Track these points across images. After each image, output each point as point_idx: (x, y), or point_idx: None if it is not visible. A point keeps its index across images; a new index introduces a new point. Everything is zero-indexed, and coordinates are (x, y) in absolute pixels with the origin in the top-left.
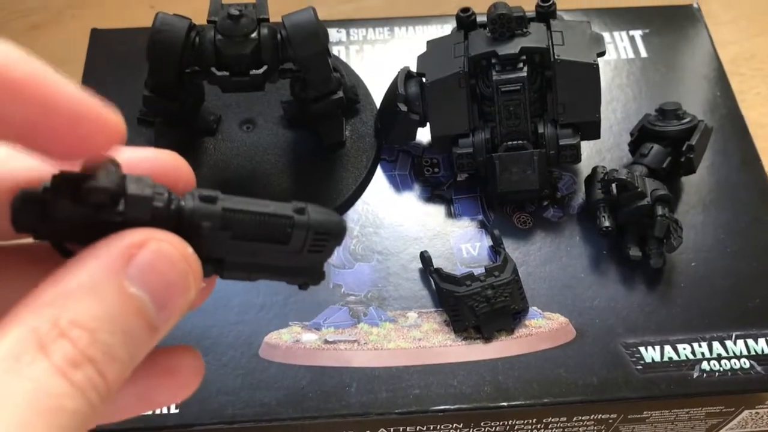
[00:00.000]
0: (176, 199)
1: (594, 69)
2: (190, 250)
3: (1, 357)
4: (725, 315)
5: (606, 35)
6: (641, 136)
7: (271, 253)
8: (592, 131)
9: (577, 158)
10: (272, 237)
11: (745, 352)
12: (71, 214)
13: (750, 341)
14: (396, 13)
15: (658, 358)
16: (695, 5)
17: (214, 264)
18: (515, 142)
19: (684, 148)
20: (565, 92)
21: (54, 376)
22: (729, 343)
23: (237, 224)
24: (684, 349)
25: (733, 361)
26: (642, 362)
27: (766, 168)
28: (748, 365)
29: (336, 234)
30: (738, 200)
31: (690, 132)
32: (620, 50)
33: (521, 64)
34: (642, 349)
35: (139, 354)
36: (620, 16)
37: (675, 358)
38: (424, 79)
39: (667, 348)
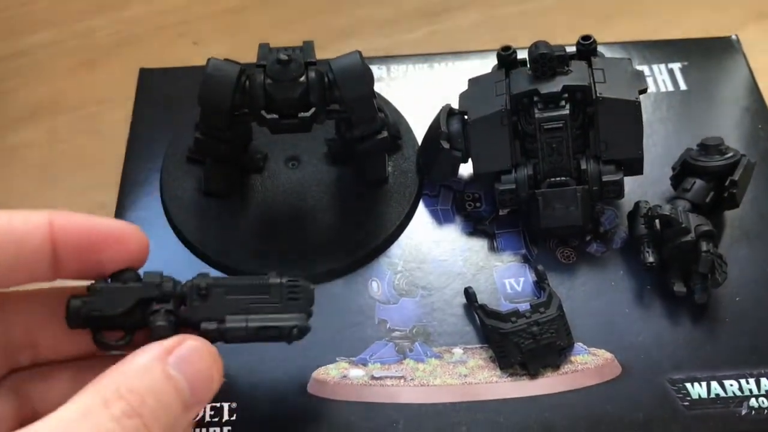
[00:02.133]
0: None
1: (636, 106)
2: (214, 349)
3: (76, 408)
4: None
5: (645, 68)
6: (683, 170)
7: (259, 305)
8: (636, 167)
9: (621, 194)
10: (256, 290)
11: None
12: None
13: None
14: (434, 47)
15: (705, 395)
16: (734, 37)
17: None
18: (558, 179)
19: (727, 184)
20: (607, 129)
21: (111, 422)
22: None
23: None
24: (731, 385)
25: None
26: (689, 398)
27: None
28: None
29: (305, 286)
30: None
31: (733, 167)
32: (659, 83)
33: (563, 102)
34: (688, 385)
35: (174, 425)
36: (659, 48)
37: (722, 394)
38: (466, 117)
39: (714, 384)
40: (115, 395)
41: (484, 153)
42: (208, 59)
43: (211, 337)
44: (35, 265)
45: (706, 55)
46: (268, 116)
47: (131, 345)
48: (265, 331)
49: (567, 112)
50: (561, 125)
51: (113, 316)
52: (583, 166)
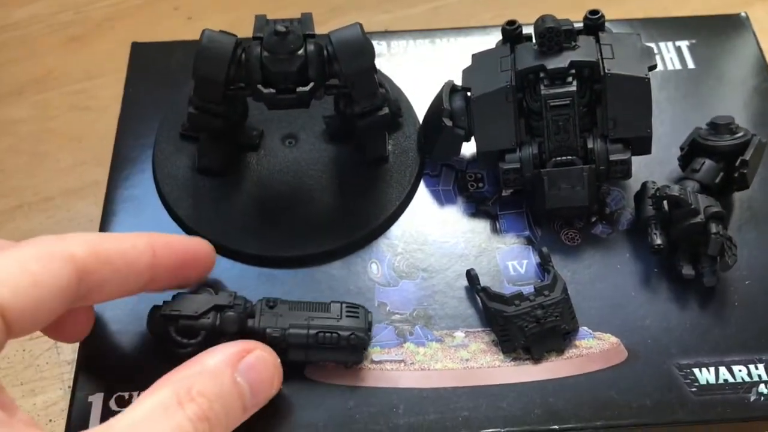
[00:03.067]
0: (249, 303)
1: (645, 83)
2: (278, 360)
3: (156, 404)
4: None
5: (652, 46)
6: (692, 150)
7: (320, 319)
8: (644, 146)
9: (628, 174)
10: (318, 308)
11: None
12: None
13: None
14: (435, 24)
15: (713, 380)
16: (743, 14)
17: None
18: (564, 158)
19: (738, 164)
20: (615, 107)
21: (187, 423)
22: None
23: (294, 304)
24: (740, 370)
25: None
26: (696, 384)
27: None
28: None
29: (363, 309)
30: None
31: (743, 147)
32: (667, 61)
33: (570, 78)
34: (696, 370)
35: (233, 425)
36: (666, 26)
37: (731, 380)
38: (469, 94)
39: (722, 370)
40: (188, 396)
41: (488, 131)
42: (203, 30)
43: (276, 343)
44: (136, 284)
45: (715, 32)
46: (265, 90)
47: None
48: (324, 336)
49: (574, 88)
50: (568, 102)
51: (190, 315)
52: (590, 144)
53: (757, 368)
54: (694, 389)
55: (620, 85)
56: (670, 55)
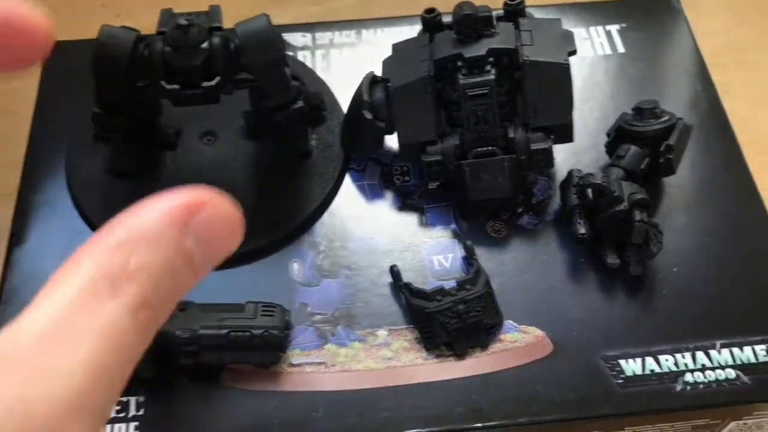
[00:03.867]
0: None
1: (565, 69)
2: (237, 212)
3: (78, 291)
4: (709, 323)
5: (582, 30)
6: (618, 136)
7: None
8: (565, 134)
9: (550, 163)
10: (231, 309)
11: (730, 362)
12: None
13: (735, 350)
14: (367, 15)
15: (639, 371)
16: None
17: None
18: (485, 149)
19: (662, 149)
20: (535, 94)
21: (125, 315)
22: (713, 353)
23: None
24: (667, 360)
25: (718, 371)
26: (623, 376)
27: (751, 164)
28: (733, 375)
29: (281, 308)
30: (721, 201)
31: (668, 131)
32: (597, 46)
33: (489, 67)
34: (622, 361)
35: (175, 304)
36: (596, 10)
37: (657, 370)
38: (389, 85)
39: (649, 360)
40: (124, 274)
41: (409, 123)
42: (102, 26)
43: (187, 345)
44: None
45: (646, 16)
46: (168, 87)
47: None
48: (237, 335)
49: (493, 77)
50: (486, 91)
51: None
52: (511, 134)
53: (684, 357)
54: (620, 381)
55: (539, 72)
56: (600, 40)
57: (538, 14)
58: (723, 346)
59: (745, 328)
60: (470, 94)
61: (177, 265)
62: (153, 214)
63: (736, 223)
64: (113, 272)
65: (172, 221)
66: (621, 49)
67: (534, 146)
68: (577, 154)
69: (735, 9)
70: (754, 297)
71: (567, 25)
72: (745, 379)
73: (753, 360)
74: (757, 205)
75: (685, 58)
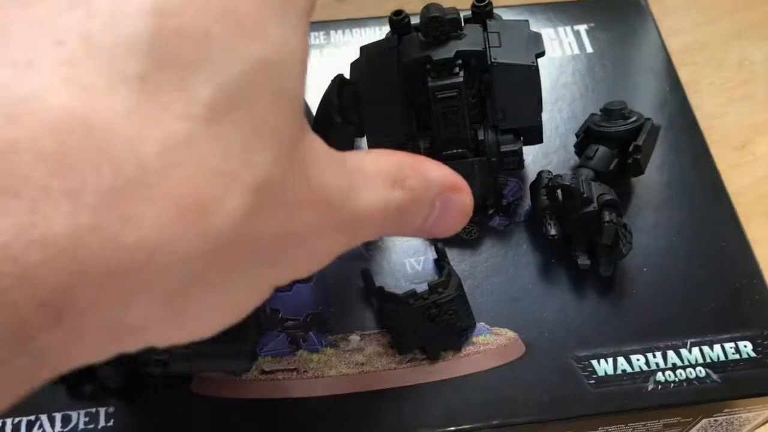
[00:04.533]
0: None
1: (533, 71)
2: (471, 213)
3: (383, 170)
4: (679, 322)
5: (550, 31)
6: (587, 137)
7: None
8: (534, 136)
9: (520, 165)
10: None
11: (700, 360)
12: None
13: (705, 348)
14: (335, 16)
15: (611, 371)
16: None
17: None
18: (455, 151)
19: (631, 149)
20: (503, 96)
21: (398, 195)
22: (684, 352)
23: None
24: (638, 360)
25: (688, 370)
26: (595, 376)
27: (719, 162)
28: (703, 374)
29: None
30: (690, 200)
31: (636, 132)
32: (565, 46)
33: (457, 69)
34: (594, 362)
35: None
36: (564, 10)
37: (629, 370)
38: (358, 87)
39: (621, 360)
40: (399, 183)
41: (378, 125)
42: None
43: (155, 355)
44: None
45: (613, 16)
46: None
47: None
48: (206, 342)
49: (461, 79)
50: (455, 93)
51: None
52: (481, 136)
53: (654, 356)
54: (592, 381)
55: (507, 74)
56: (569, 40)
57: (506, 15)
58: (693, 344)
59: (714, 327)
60: (439, 96)
61: (422, 209)
62: (436, 169)
63: (703, 221)
64: (399, 175)
65: (442, 183)
66: (589, 49)
67: (504, 148)
68: (547, 155)
69: (704, 6)
70: (722, 295)
71: (535, 25)
72: (714, 377)
73: (722, 358)
74: (725, 204)
75: (652, 58)
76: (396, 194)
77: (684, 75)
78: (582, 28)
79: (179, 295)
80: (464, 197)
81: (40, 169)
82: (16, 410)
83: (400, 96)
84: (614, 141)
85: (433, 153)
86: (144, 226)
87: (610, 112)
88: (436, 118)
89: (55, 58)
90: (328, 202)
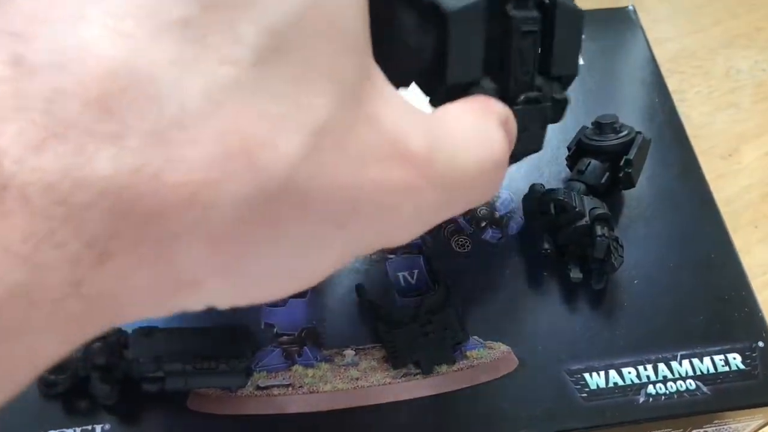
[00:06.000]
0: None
1: (582, 17)
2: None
3: (468, 119)
4: (669, 334)
5: None
6: (578, 150)
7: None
8: (559, 109)
9: (560, 118)
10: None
11: (690, 373)
12: None
13: (695, 360)
14: None
15: (603, 384)
16: (630, 7)
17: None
18: (532, 94)
19: (622, 163)
20: (561, 39)
21: (498, 131)
22: (674, 364)
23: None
24: (629, 373)
25: (678, 382)
26: (587, 389)
27: (707, 171)
28: (693, 386)
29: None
30: (679, 212)
31: (628, 146)
32: None
33: (531, 3)
34: (586, 375)
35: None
36: None
37: (620, 383)
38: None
39: (612, 373)
40: (492, 111)
41: (461, 56)
42: None
43: (151, 371)
44: None
45: (602, 27)
46: None
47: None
48: (202, 360)
49: (537, 14)
50: (536, 28)
51: None
52: (537, 81)
53: (645, 369)
54: (584, 395)
55: (566, 17)
56: None
57: None
58: (683, 357)
59: (703, 339)
60: (523, 29)
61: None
62: (499, 108)
63: (692, 233)
64: (489, 131)
65: (507, 121)
66: (580, 60)
67: (557, 96)
68: (539, 168)
69: (692, 14)
70: (711, 307)
71: None
72: (704, 389)
73: (712, 370)
74: (713, 216)
75: (642, 70)
76: (499, 137)
77: (671, 84)
78: None
79: (231, 244)
80: (513, 123)
81: (85, 114)
82: (11, 428)
83: (483, 24)
84: (606, 155)
85: (505, 98)
86: (188, 167)
87: (601, 126)
88: (515, 54)
89: (104, 9)
90: (409, 153)
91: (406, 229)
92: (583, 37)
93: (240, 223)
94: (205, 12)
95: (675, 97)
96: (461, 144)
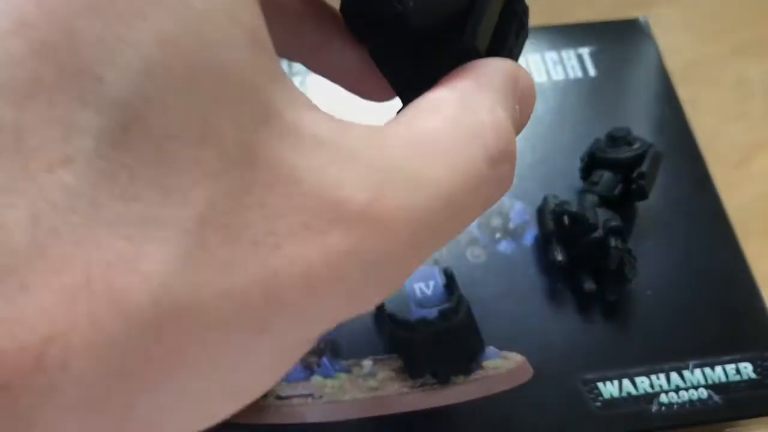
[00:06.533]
0: None
1: None
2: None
3: (442, 120)
4: (682, 344)
5: (553, 54)
6: (592, 162)
7: None
8: None
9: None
10: None
11: (702, 382)
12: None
13: (707, 370)
14: None
15: (616, 394)
16: (642, 19)
17: None
18: None
19: (635, 175)
20: None
21: (485, 159)
22: (687, 373)
23: None
24: (642, 382)
25: (691, 391)
26: (601, 399)
27: (719, 181)
28: (706, 395)
29: None
30: (690, 223)
31: (640, 158)
32: (568, 69)
33: None
34: (600, 384)
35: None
36: (567, 33)
37: (634, 392)
38: None
39: (626, 382)
40: (490, 119)
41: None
42: None
43: None
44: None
45: (615, 38)
46: None
47: None
48: None
49: None
50: None
51: None
52: None
53: (658, 378)
54: (598, 404)
55: None
56: (572, 63)
57: None
58: (695, 366)
59: (715, 348)
60: None
61: (515, 123)
62: (495, 71)
63: (704, 244)
64: (477, 117)
65: (512, 83)
66: (592, 72)
67: None
68: (552, 179)
69: (704, 24)
70: (722, 317)
71: (538, 48)
72: (716, 398)
73: (723, 380)
74: (724, 227)
75: (654, 80)
76: (496, 119)
77: (683, 93)
78: (585, 51)
79: (110, 403)
80: (528, 78)
81: None
82: None
83: None
84: (619, 167)
85: None
86: (24, 325)
87: (614, 139)
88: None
89: None
90: (341, 208)
91: (368, 294)
92: (595, 48)
93: (112, 375)
94: (18, 108)
95: (686, 106)
96: (431, 156)
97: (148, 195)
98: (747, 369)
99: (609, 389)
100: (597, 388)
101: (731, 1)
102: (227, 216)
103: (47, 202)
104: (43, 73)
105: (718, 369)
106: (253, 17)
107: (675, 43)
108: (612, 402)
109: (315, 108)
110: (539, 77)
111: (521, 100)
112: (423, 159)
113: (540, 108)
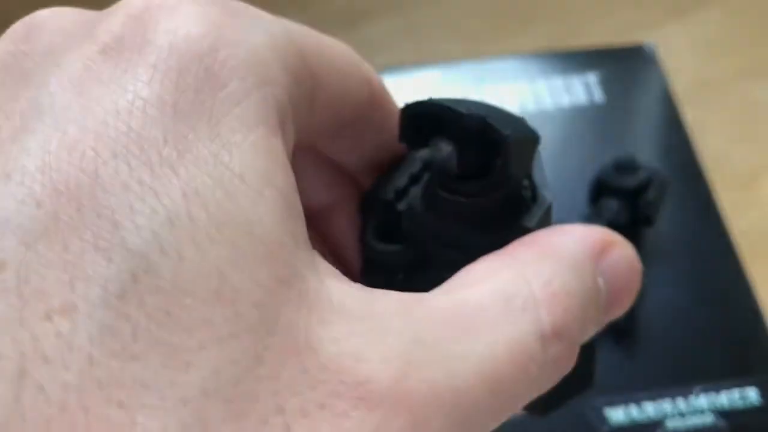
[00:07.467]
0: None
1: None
2: (639, 261)
3: (489, 290)
4: (688, 369)
5: (559, 80)
6: (598, 189)
7: None
8: None
9: None
10: None
11: (707, 407)
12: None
13: (712, 394)
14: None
15: (624, 420)
16: (648, 45)
17: None
18: None
19: (641, 203)
20: None
21: (536, 335)
22: (692, 398)
23: None
24: (649, 407)
25: (696, 416)
26: (607, 424)
27: (725, 202)
28: (711, 420)
29: None
30: (695, 249)
31: (646, 185)
32: (574, 96)
33: None
34: (607, 409)
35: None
36: (574, 59)
37: (639, 417)
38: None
39: (633, 407)
40: (547, 291)
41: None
42: None
43: None
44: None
45: (621, 64)
46: None
47: None
48: None
49: None
50: None
51: None
52: None
53: (665, 404)
54: (606, 429)
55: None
56: (578, 89)
57: (515, 64)
58: (701, 391)
59: (721, 374)
60: None
61: (590, 302)
62: (572, 241)
63: (710, 270)
64: (532, 285)
65: (588, 252)
66: (598, 98)
67: None
68: (559, 205)
69: (707, 46)
70: (727, 342)
71: (545, 74)
72: (721, 423)
73: (729, 405)
74: (729, 252)
75: (660, 107)
76: (532, 321)
77: (689, 114)
78: (591, 77)
79: None
80: (622, 251)
81: None
82: None
83: None
84: (625, 194)
85: None
86: None
87: (620, 166)
88: None
89: None
90: (364, 387)
91: None
92: (601, 74)
93: None
94: (28, 247)
95: (693, 128)
96: (472, 330)
97: (148, 354)
98: (752, 394)
99: (615, 415)
100: (604, 413)
101: (738, 23)
102: (234, 388)
103: (38, 355)
104: (60, 215)
105: (724, 394)
106: (286, 182)
107: (681, 65)
108: (619, 428)
109: (343, 277)
110: (546, 103)
111: (609, 272)
112: (462, 332)
113: (547, 134)
